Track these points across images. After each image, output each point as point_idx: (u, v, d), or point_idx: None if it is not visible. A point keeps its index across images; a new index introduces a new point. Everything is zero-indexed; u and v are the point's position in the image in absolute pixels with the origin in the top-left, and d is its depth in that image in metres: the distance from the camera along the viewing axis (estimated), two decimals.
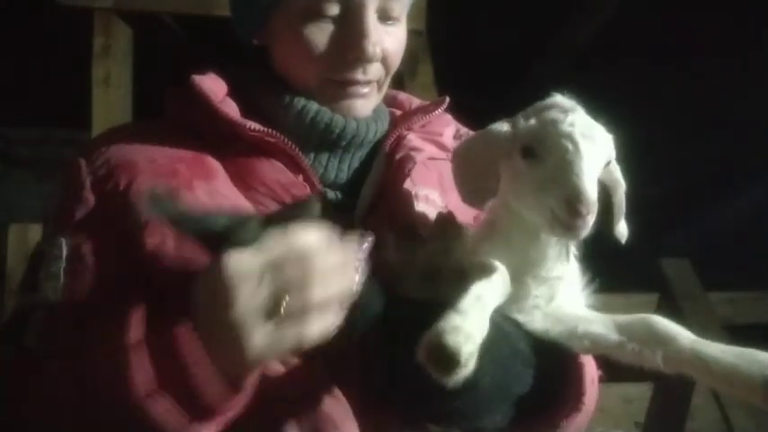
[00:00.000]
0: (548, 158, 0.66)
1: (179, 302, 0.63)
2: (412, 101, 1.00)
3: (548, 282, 0.70)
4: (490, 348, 0.60)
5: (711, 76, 3.66)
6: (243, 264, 0.56)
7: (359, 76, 0.83)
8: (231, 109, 0.82)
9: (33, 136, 4.89)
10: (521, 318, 0.70)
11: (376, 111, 0.91)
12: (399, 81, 2.88)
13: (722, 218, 3.86)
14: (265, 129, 0.79)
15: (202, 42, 3.67)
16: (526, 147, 0.67)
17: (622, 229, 0.74)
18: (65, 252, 0.72)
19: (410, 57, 2.95)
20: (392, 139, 0.90)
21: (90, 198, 0.75)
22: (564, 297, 0.72)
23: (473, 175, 0.73)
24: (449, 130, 0.96)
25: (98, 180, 0.76)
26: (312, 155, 0.85)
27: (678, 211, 4.03)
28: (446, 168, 0.88)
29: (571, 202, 0.61)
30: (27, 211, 4.54)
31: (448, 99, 0.96)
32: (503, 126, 0.71)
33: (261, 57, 0.90)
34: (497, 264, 0.67)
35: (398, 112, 0.98)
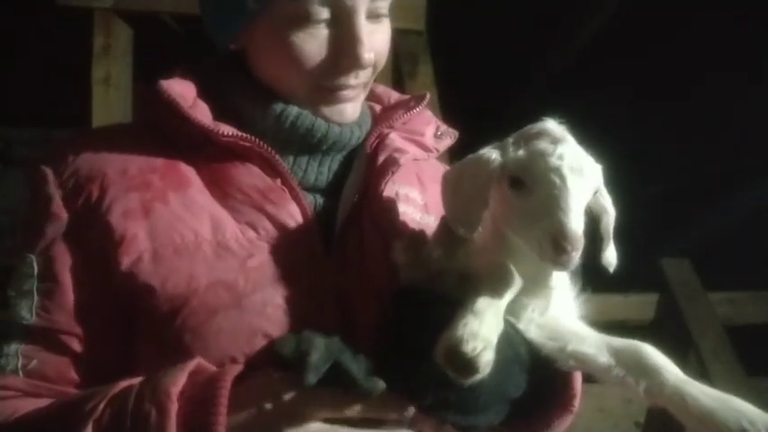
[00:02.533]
0: (535, 191, 0.66)
1: (155, 324, 0.63)
2: (390, 94, 0.96)
3: (542, 293, 0.71)
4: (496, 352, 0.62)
5: (712, 76, 3.65)
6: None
7: (351, 81, 0.80)
8: (202, 112, 0.78)
9: (33, 136, 4.89)
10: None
11: (360, 113, 0.87)
12: (399, 81, 2.88)
13: (722, 218, 3.86)
14: (239, 133, 0.76)
15: (202, 42, 3.67)
16: (514, 177, 0.68)
17: (610, 257, 0.73)
18: (36, 270, 0.70)
19: (410, 57, 2.95)
20: (373, 139, 0.86)
21: (60, 214, 0.72)
22: (558, 306, 0.73)
23: (462, 202, 0.72)
24: (430, 128, 0.92)
25: (68, 194, 0.72)
26: (291, 158, 0.81)
27: (678, 211, 4.03)
28: (427, 166, 0.89)
29: (556, 238, 0.62)
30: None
31: (428, 95, 0.93)
32: (492, 153, 0.71)
33: (235, 58, 0.87)
34: (508, 265, 0.67)
35: (377, 107, 0.95)
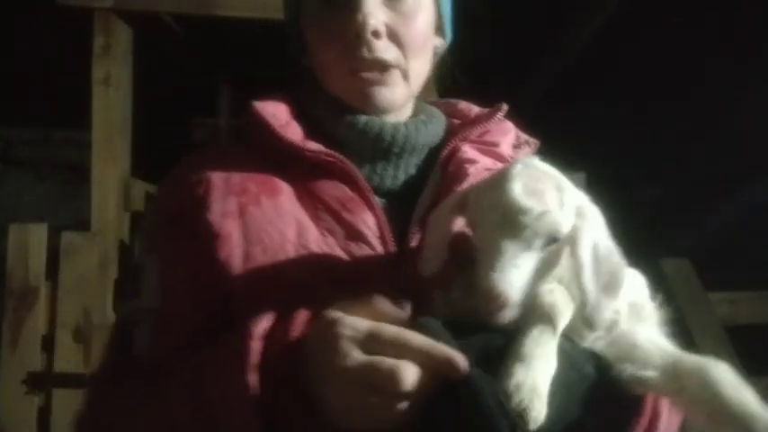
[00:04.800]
0: (477, 240, 0.67)
1: (242, 313, 0.71)
2: (471, 109, 0.97)
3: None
4: (558, 376, 0.62)
5: (712, 76, 3.66)
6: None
7: (365, 54, 0.81)
8: (293, 131, 0.85)
9: (33, 136, 4.89)
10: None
11: (427, 114, 0.91)
12: None
13: (722, 218, 3.86)
14: (322, 149, 0.82)
15: (202, 42, 3.67)
16: (469, 220, 0.69)
17: (590, 312, 0.65)
18: (158, 264, 0.81)
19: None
20: (447, 150, 0.88)
21: (173, 214, 0.82)
22: (633, 319, 0.70)
23: (429, 242, 0.73)
24: (507, 138, 0.93)
25: (180, 197, 0.83)
26: (368, 166, 0.85)
27: (678, 211, 4.03)
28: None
29: (482, 297, 0.63)
30: (27, 211, 4.54)
31: (506, 106, 0.94)
32: (459, 194, 0.72)
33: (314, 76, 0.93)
34: (554, 295, 0.66)
35: (457, 122, 0.96)
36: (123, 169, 2.82)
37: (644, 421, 0.67)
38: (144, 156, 3.00)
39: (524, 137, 0.96)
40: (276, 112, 0.86)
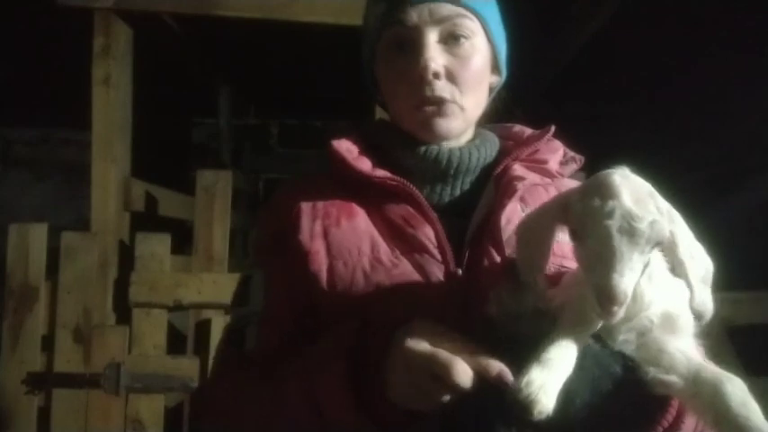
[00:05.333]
0: (587, 245, 0.71)
1: (326, 317, 0.89)
2: (524, 131, 1.09)
3: (638, 316, 0.75)
4: (582, 372, 0.70)
5: (712, 76, 3.66)
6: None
7: (427, 93, 0.95)
8: (364, 163, 0.98)
9: (33, 136, 4.89)
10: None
11: (481, 138, 1.03)
12: None
13: (722, 218, 3.86)
14: (388, 175, 0.96)
15: (202, 42, 3.67)
16: (572, 229, 0.74)
17: (698, 306, 0.75)
18: (264, 275, 0.98)
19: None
20: (499, 169, 0.99)
21: (272, 235, 0.99)
22: (668, 328, 0.76)
23: (527, 249, 0.80)
24: (556, 156, 1.04)
25: (277, 220, 0.99)
26: (429, 187, 0.99)
27: (678, 211, 4.02)
28: (553, 192, 1.01)
29: (600, 296, 0.68)
30: (27, 211, 4.54)
31: (554, 127, 1.06)
32: (555, 205, 0.78)
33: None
34: (583, 304, 0.72)
35: (510, 143, 1.08)
36: (123, 169, 2.82)
37: (669, 419, 0.74)
38: (144, 156, 3.00)
39: (571, 154, 1.08)
40: (350, 147, 1.00)
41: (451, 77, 0.96)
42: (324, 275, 0.91)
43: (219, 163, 4.59)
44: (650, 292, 0.75)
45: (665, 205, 0.75)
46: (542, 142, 1.04)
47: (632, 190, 0.72)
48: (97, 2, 2.74)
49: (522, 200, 0.98)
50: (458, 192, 1.00)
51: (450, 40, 0.96)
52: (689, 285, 0.74)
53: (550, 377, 0.68)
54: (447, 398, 0.71)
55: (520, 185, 0.96)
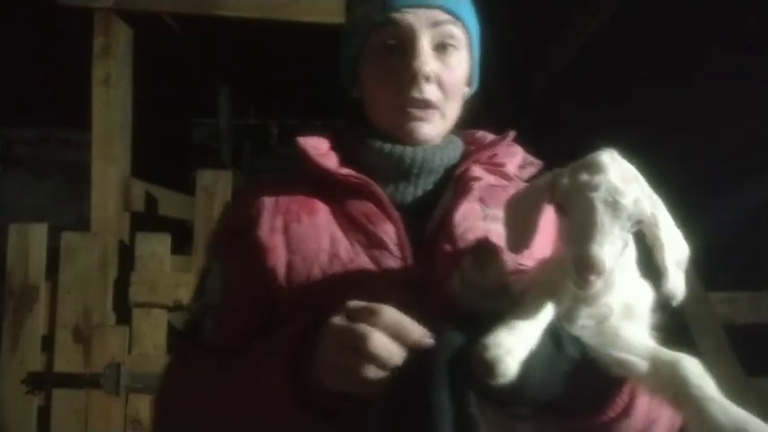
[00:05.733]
0: (571, 219, 0.73)
1: (283, 312, 0.91)
2: (486, 137, 1.13)
3: (599, 304, 0.77)
4: (542, 348, 0.71)
5: (712, 76, 3.66)
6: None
7: (416, 94, 0.97)
8: (330, 160, 1.00)
9: (33, 136, 4.90)
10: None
11: (445, 141, 1.05)
12: None
13: (722, 218, 3.86)
14: (352, 173, 0.97)
15: (202, 42, 3.67)
16: (558, 203, 0.76)
17: (671, 288, 0.77)
18: (221, 269, 0.98)
19: None
20: (460, 170, 1.03)
21: (233, 230, 1.00)
22: (624, 317, 0.78)
23: (515, 225, 0.81)
24: (514, 160, 1.08)
25: (239, 215, 1.00)
26: (392, 185, 1.00)
27: (678, 210, 4.02)
28: (507, 194, 1.01)
29: (578, 265, 0.69)
30: (27, 211, 4.55)
31: (513, 132, 1.09)
32: (543, 181, 0.80)
33: (358, 110, 1.09)
34: (553, 283, 0.75)
35: (473, 147, 1.11)
36: (123, 169, 2.82)
37: (621, 403, 0.76)
38: (144, 156, 3.00)
39: (531, 159, 1.11)
40: (317, 144, 1.03)
41: (440, 84, 0.99)
42: (282, 270, 0.93)
43: (219, 163, 4.59)
44: (617, 279, 0.76)
45: (649, 189, 0.77)
46: (501, 146, 1.08)
47: (619, 169, 0.74)
48: (97, 2, 2.74)
49: (481, 200, 1.00)
50: (420, 191, 1.02)
51: (441, 47, 0.98)
52: (663, 267, 0.75)
53: (518, 342, 0.69)
54: (372, 374, 0.70)
55: (476, 185, 0.99)
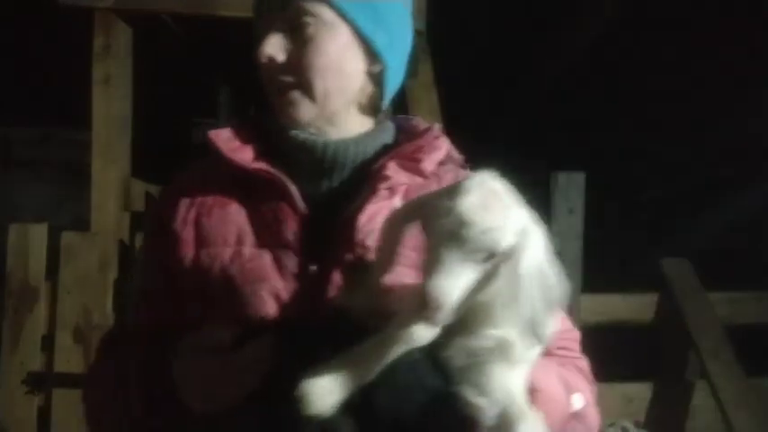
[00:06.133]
0: (426, 246, 0.72)
1: (191, 298, 0.95)
2: (419, 126, 1.07)
3: (467, 339, 0.76)
4: (394, 378, 0.72)
5: (712, 78, 3.66)
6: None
7: (270, 81, 0.97)
8: (245, 154, 0.99)
9: (33, 136, 4.89)
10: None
11: (370, 132, 1.02)
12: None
13: (722, 218, 3.86)
14: (263, 167, 0.96)
15: (202, 42, 3.67)
16: (423, 227, 0.75)
17: (534, 327, 0.72)
18: (145, 258, 1.04)
19: (410, 56, 2.95)
20: (376, 166, 0.98)
21: (157, 220, 1.02)
22: (498, 359, 0.76)
23: (382, 244, 0.79)
24: (434, 155, 1.01)
25: (162, 207, 1.02)
26: (307, 180, 0.98)
27: (678, 211, 4.03)
28: (419, 192, 0.97)
29: (422, 297, 0.68)
30: (27, 211, 4.54)
31: (438, 126, 1.04)
32: (416, 201, 0.78)
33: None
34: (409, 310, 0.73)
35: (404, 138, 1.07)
36: (123, 169, 2.82)
37: None
38: (144, 156, 3.00)
39: (455, 154, 1.06)
40: (230, 137, 1.01)
41: (293, 68, 0.95)
42: (188, 264, 0.95)
43: None
44: (491, 312, 0.74)
45: (521, 219, 0.73)
46: (425, 140, 1.02)
47: (481, 196, 0.70)
48: (97, 2, 2.74)
49: (392, 200, 0.96)
50: (337, 186, 0.99)
51: (294, 27, 0.95)
52: (522, 303, 0.71)
53: (340, 379, 0.70)
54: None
55: (383, 186, 0.95)
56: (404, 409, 0.72)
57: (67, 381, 2.50)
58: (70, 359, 2.54)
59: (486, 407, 0.72)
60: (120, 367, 0.95)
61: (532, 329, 0.72)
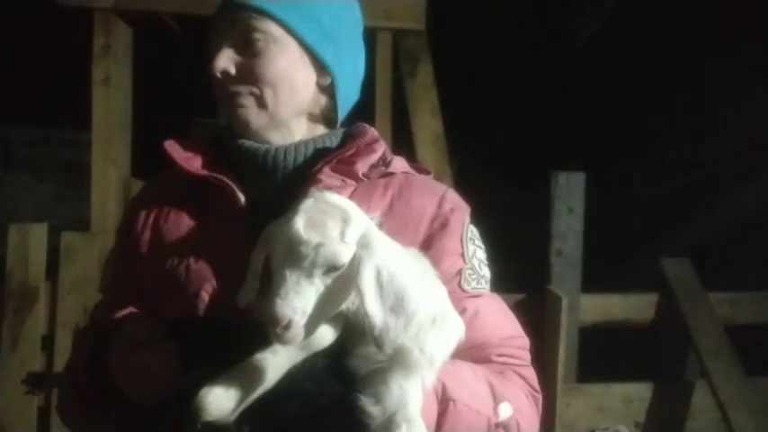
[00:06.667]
0: (272, 272, 0.74)
1: (145, 290, 1.01)
2: (365, 132, 1.08)
3: (362, 348, 0.78)
4: (292, 385, 0.75)
5: (712, 76, 3.66)
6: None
7: (222, 92, 1.04)
8: (196, 162, 1.05)
9: (33, 136, 4.89)
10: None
11: (313, 139, 1.07)
12: (400, 81, 2.88)
13: (722, 218, 3.87)
14: (207, 173, 1.02)
15: (202, 42, 3.66)
16: (268, 254, 0.78)
17: (376, 337, 0.73)
18: (110, 259, 1.13)
19: (410, 57, 2.95)
20: (313, 170, 1.02)
21: (124, 224, 1.10)
22: (397, 366, 0.77)
23: (247, 273, 0.82)
24: (369, 158, 1.05)
25: (129, 212, 1.10)
26: (255, 184, 1.03)
27: (678, 211, 4.03)
28: (365, 194, 1.03)
29: (265, 318, 0.71)
30: (27, 211, 4.54)
31: (372, 132, 1.07)
32: (264, 232, 0.81)
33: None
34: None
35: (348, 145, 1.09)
36: (123, 169, 2.82)
37: None
38: (144, 156, 2.99)
39: (391, 156, 1.09)
40: (185, 146, 1.07)
41: (244, 73, 1.02)
42: (142, 263, 1.02)
43: None
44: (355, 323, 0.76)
45: (359, 231, 0.75)
46: (359, 144, 1.05)
47: (314, 214, 0.74)
48: (97, 2, 2.74)
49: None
50: (283, 191, 1.01)
51: (243, 42, 1.02)
52: (366, 312, 0.73)
53: (234, 389, 0.73)
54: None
55: (313, 190, 0.96)
56: (302, 416, 0.75)
57: None
58: None
59: (376, 414, 0.74)
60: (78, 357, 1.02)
61: (380, 336, 0.73)
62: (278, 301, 0.70)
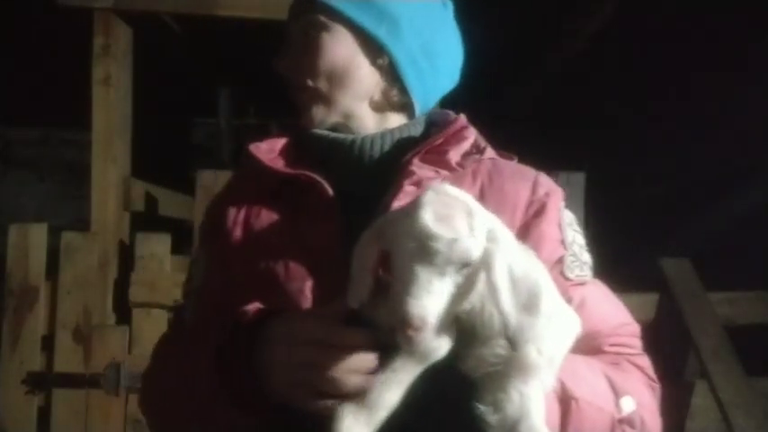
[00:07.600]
0: (394, 270, 0.70)
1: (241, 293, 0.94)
2: (448, 117, 1.07)
3: (480, 350, 0.75)
4: (415, 401, 0.71)
5: (712, 76, 3.66)
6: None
7: (294, 84, 1.04)
8: (279, 162, 1.03)
9: (33, 136, 4.89)
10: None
11: (389, 131, 1.03)
12: None
13: (722, 218, 3.86)
14: (293, 171, 1.00)
15: (202, 42, 3.67)
16: (386, 251, 0.72)
17: (512, 335, 0.71)
18: (203, 257, 1.07)
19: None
20: (403, 161, 0.97)
21: (212, 222, 1.07)
22: (518, 373, 0.74)
23: (353, 273, 0.76)
24: (460, 147, 1.00)
25: (216, 210, 1.08)
26: (342, 178, 0.99)
27: (678, 211, 4.03)
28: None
29: (397, 321, 0.67)
30: (27, 211, 4.54)
31: (463, 118, 1.04)
32: (375, 225, 0.76)
33: None
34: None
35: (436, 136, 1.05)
36: (123, 169, 2.82)
37: None
38: (144, 156, 3.00)
39: (483, 145, 1.04)
40: (271, 147, 1.06)
41: (303, 72, 1.02)
42: (238, 262, 0.99)
43: (219, 163, 4.59)
44: (482, 322, 0.72)
45: (486, 224, 0.70)
46: (449, 133, 1.01)
47: (440, 207, 0.68)
48: (97, 2, 2.74)
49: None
50: (370, 182, 0.98)
51: (305, 35, 1.02)
52: (500, 311, 0.68)
53: (364, 416, 0.70)
54: (323, 395, 0.75)
55: (408, 182, 0.94)
56: (430, 428, 0.72)
57: (67, 381, 2.50)
58: (70, 359, 2.54)
59: (496, 424, 0.70)
60: (184, 366, 0.93)
61: (514, 336, 0.70)
62: (411, 300, 0.65)
